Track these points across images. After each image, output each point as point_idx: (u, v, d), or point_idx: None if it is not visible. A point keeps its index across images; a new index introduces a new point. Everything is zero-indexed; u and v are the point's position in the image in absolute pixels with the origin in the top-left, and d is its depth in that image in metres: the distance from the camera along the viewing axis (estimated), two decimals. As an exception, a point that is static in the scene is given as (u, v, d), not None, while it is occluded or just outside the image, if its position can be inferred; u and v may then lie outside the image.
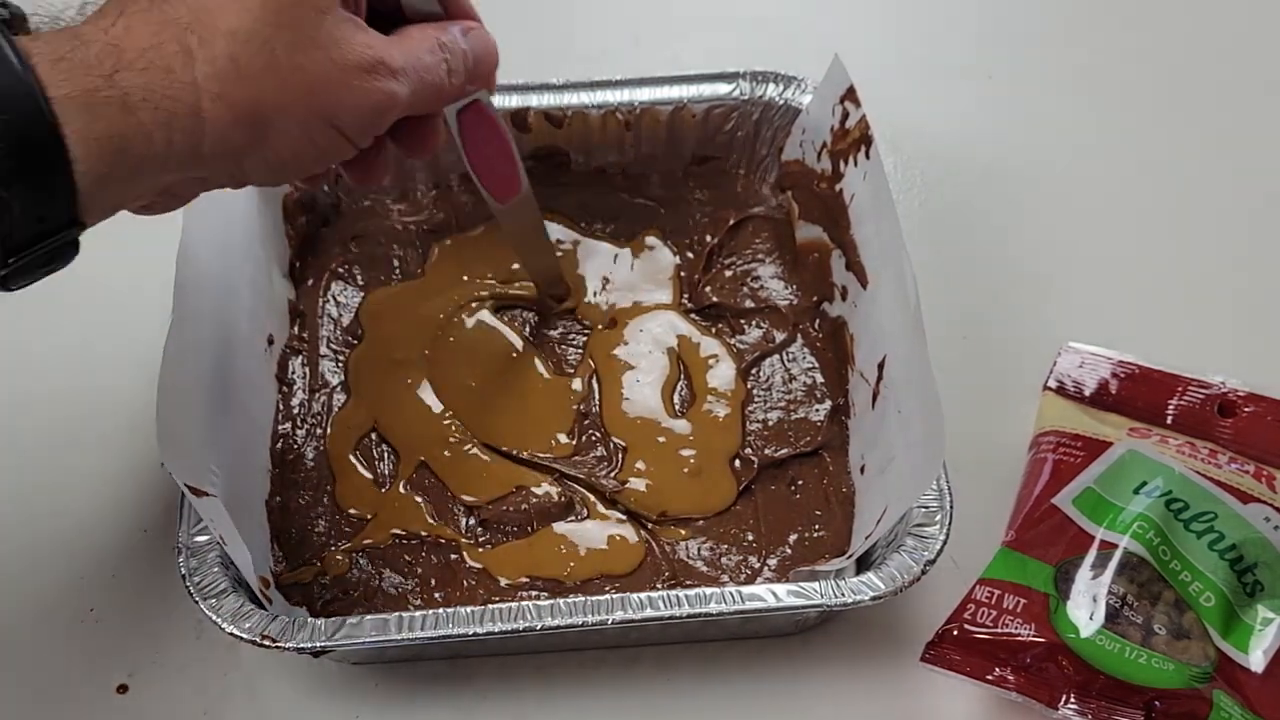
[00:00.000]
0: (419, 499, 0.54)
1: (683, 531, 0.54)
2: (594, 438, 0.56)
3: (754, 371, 0.59)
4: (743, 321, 0.60)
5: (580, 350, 0.59)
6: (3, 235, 0.35)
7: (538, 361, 0.59)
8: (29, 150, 0.35)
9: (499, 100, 0.61)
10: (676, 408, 0.57)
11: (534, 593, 0.51)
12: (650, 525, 0.54)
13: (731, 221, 0.63)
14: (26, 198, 0.35)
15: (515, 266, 0.61)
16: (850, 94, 0.57)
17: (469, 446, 0.56)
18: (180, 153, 0.38)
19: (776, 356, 0.59)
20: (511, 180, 0.55)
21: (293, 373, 0.58)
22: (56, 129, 0.35)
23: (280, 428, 0.56)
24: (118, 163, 0.36)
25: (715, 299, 0.60)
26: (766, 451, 0.56)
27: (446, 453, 0.55)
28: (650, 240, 0.63)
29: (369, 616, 0.46)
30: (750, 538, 0.53)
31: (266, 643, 0.45)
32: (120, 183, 0.37)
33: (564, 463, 0.55)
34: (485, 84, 0.49)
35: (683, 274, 0.62)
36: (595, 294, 0.61)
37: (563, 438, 0.56)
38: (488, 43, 0.47)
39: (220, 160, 0.39)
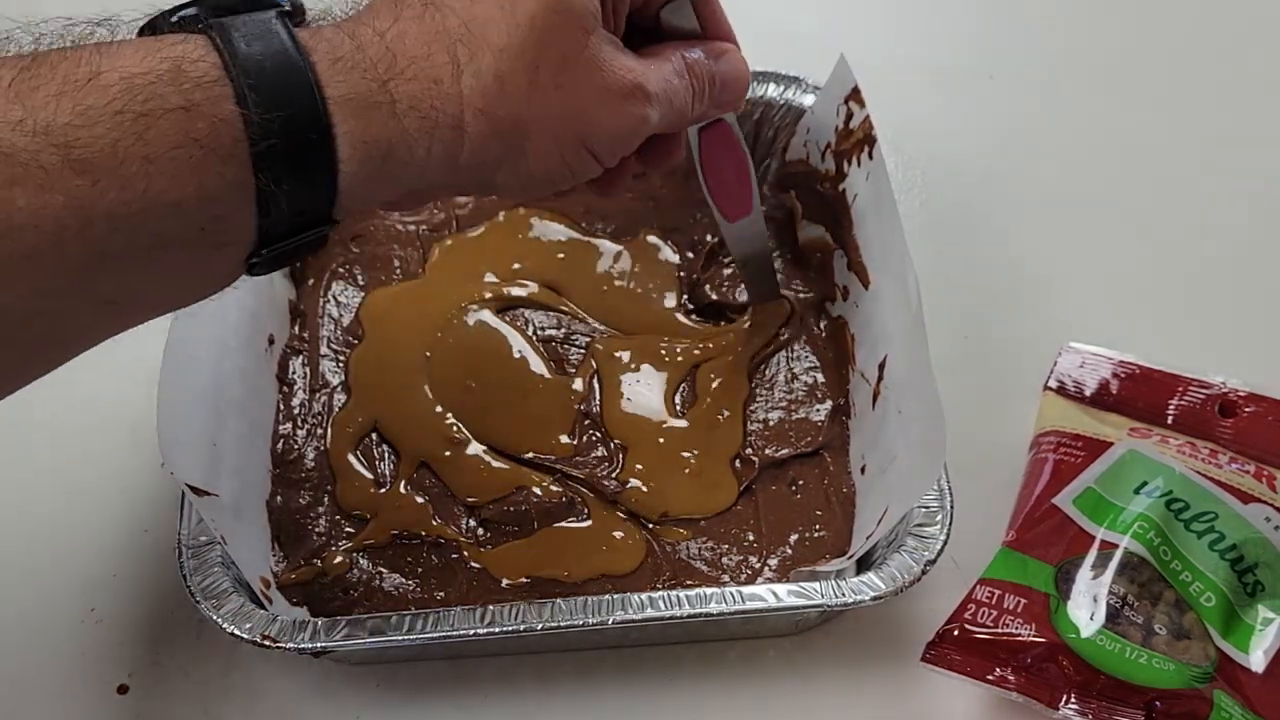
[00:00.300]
0: (419, 499, 0.54)
1: (683, 531, 0.54)
2: (594, 438, 0.56)
3: (756, 371, 0.58)
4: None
5: (581, 350, 0.59)
6: (267, 226, 0.36)
7: (538, 361, 0.59)
8: (303, 149, 0.35)
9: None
10: (677, 407, 0.57)
11: (534, 592, 0.51)
12: (651, 525, 0.54)
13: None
14: (294, 192, 0.35)
15: (516, 265, 0.61)
16: (855, 94, 0.57)
17: (469, 447, 0.56)
18: (438, 161, 0.38)
19: (778, 356, 0.59)
20: (745, 201, 0.56)
21: (293, 373, 0.58)
22: (330, 129, 0.35)
23: (281, 428, 0.56)
24: (380, 166, 0.37)
25: (715, 297, 0.60)
26: (767, 451, 0.56)
27: (447, 452, 0.55)
28: (650, 240, 0.63)
29: (369, 616, 0.46)
30: (750, 538, 0.53)
31: (266, 643, 0.45)
32: (379, 184, 0.38)
33: (565, 463, 0.55)
34: (732, 108, 0.49)
35: (683, 273, 0.62)
36: (596, 295, 0.61)
37: (564, 438, 0.56)
38: (739, 68, 0.47)
39: (474, 171, 0.40)
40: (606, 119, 0.41)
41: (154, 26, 0.37)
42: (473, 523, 0.53)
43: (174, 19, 0.37)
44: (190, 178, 0.33)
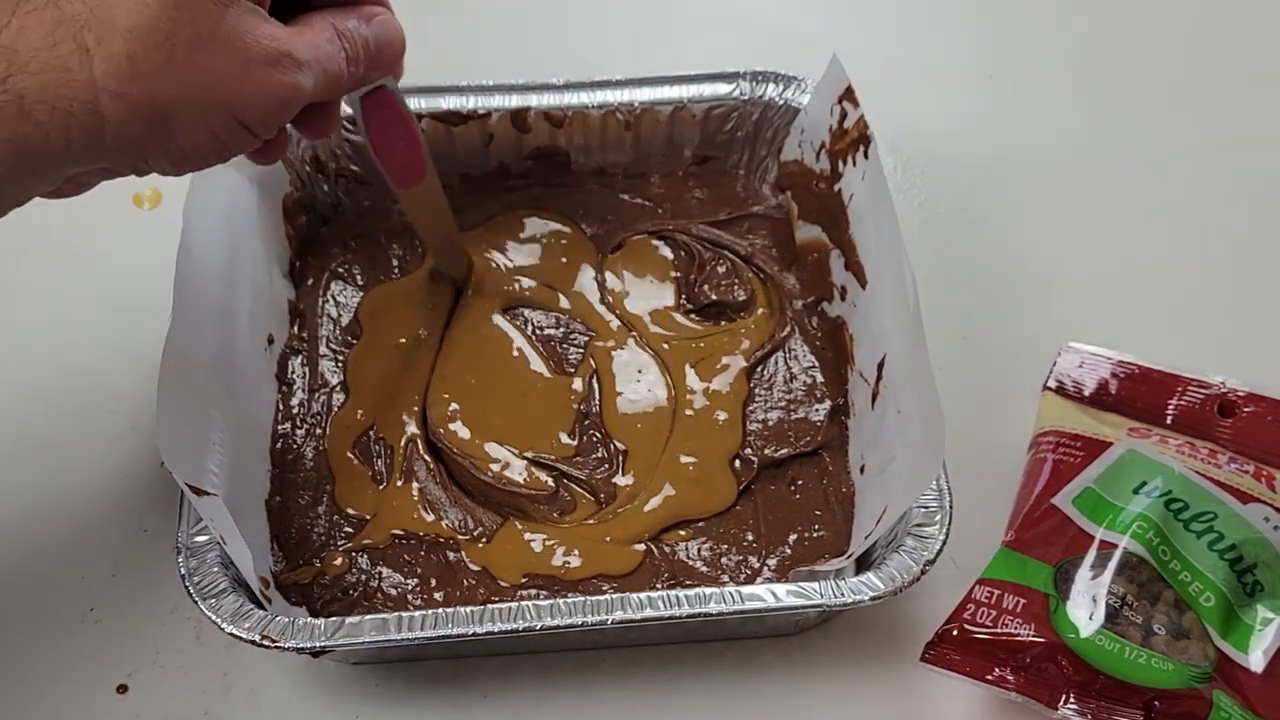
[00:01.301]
0: (418, 498, 0.54)
1: (682, 532, 0.54)
2: (595, 438, 0.56)
3: (755, 371, 0.58)
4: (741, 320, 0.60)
5: (581, 350, 0.59)
6: None
7: (538, 361, 0.59)
8: None
9: (496, 101, 0.61)
10: (676, 408, 0.57)
11: (534, 592, 0.51)
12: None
13: (727, 216, 0.63)
14: None
15: (515, 265, 0.61)
16: (849, 94, 0.57)
17: (470, 445, 0.56)
18: (80, 149, 0.38)
19: (776, 356, 0.59)
20: (415, 167, 0.55)
21: (292, 372, 0.58)
22: None
23: (280, 428, 0.56)
24: (17, 164, 0.37)
25: (715, 297, 0.60)
26: (766, 451, 0.56)
27: (444, 447, 0.55)
28: (649, 240, 0.63)
29: (369, 616, 0.46)
30: (750, 538, 0.53)
31: (266, 643, 0.45)
32: (22, 181, 0.38)
33: (565, 463, 0.55)
34: (388, 71, 0.48)
35: (681, 273, 0.62)
36: (595, 295, 0.61)
37: (564, 438, 0.56)
38: (392, 30, 0.47)
39: (122, 154, 0.40)
40: (254, 90, 0.41)
41: None
42: (470, 522, 0.53)
43: None
44: None
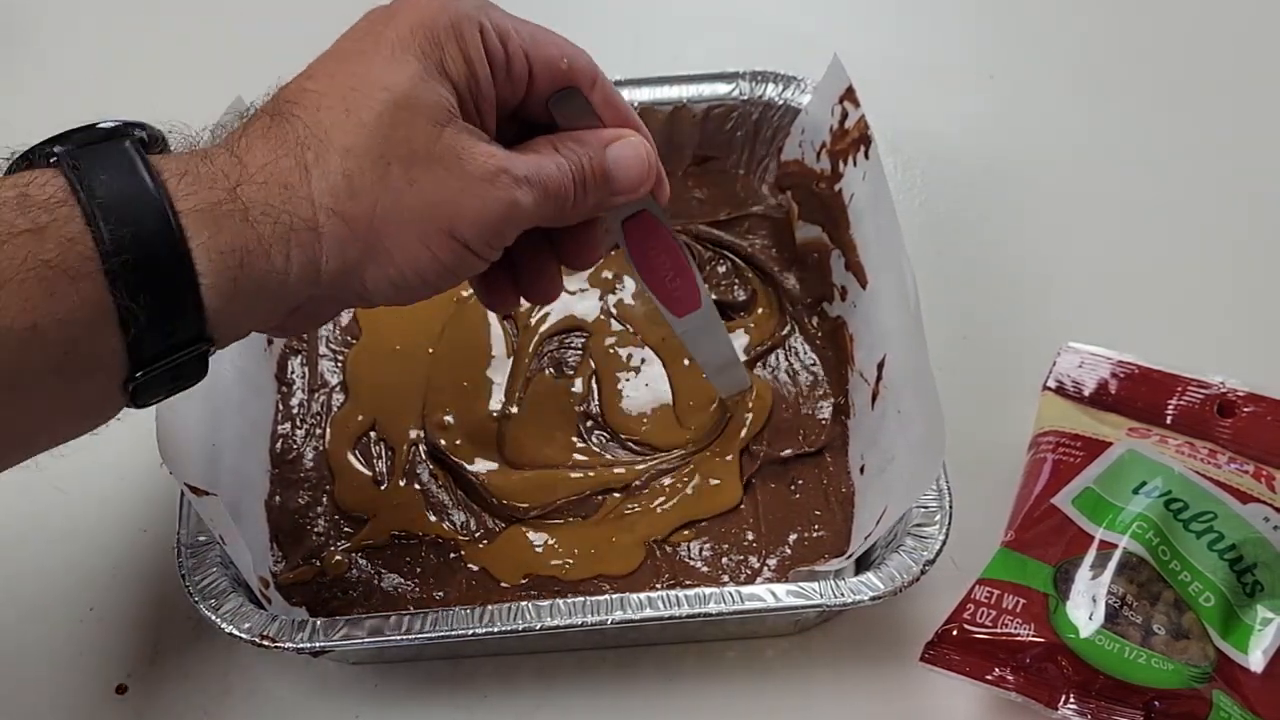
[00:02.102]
0: (418, 498, 0.54)
1: (685, 532, 0.53)
2: (600, 438, 0.56)
3: (755, 370, 0.58)
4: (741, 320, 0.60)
5: (580, 351, 0.59)
6: (132, 346, 0.35)
7: (537, 362, 0.59)
8: (157, 261, 0.35)
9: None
10: (679, 407, 0.57)
11: (534, 592, 0.51)
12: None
13: (727, 217, 0.63)
14: (154, 309, 0.35)
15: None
16: (849, 94, 0.57)
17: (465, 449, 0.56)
18: (300, 267, 0.38)
19: (776, 354, 0.59)
20: (689, 295, 0.52)
21: (292, 373, 0.58)
22: (184, 241, 0.35)
23: (280, 428, 0.56)
24: (241, 276, 0.36)
25: (714, 297, 0.60)
26: (770, 449, 0.56)
27: (444, 444, 0.55)
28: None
29: (369, 616, 0.46)
30: (750, 538, 0.53)
31: (266, 643, 0.45)
32: (246, 298, 0.37)
33: (565, 463, 0.55)
34: (633, 193, 0.45)
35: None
36: (595, 295, 0.61)
37: (574, 440, 0.56)
38: (634, 152, 0.45)
39: (340, 276, 0.39)
40: (469, 205, 0.40)
41: (21, 162, 0.37)
42: (472, 523, 0.53)
43: (35, 156, 0.37)
44: (42, 300, 0.33)
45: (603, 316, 0.60)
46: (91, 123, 0.38)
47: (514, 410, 0.57)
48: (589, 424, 0.57)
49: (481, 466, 0.54)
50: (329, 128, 0.38)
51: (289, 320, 0.41)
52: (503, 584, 0.52)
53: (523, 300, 0.49)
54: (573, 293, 0.60)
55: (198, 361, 0.38)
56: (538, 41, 0.43)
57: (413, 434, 0.55)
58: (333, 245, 0.38)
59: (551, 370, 0.58)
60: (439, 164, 0.39)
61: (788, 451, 0.55)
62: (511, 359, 0.58)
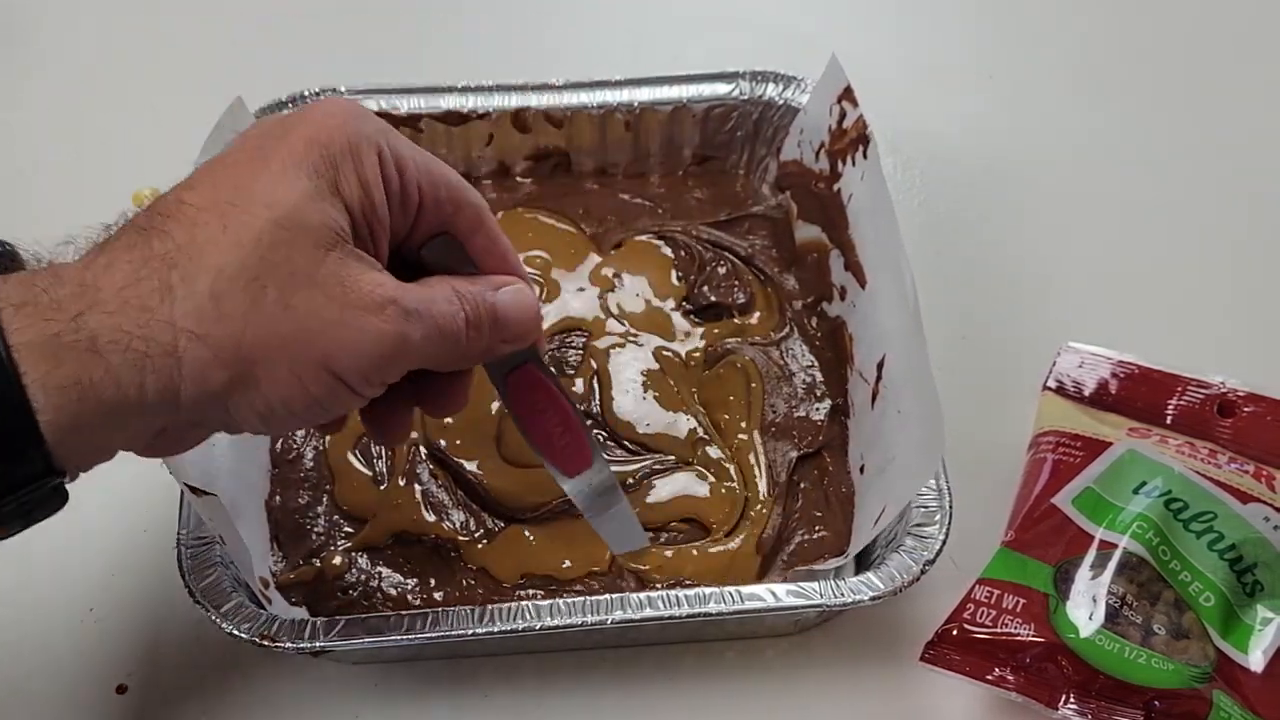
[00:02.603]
0: (418, 498, 0.54)
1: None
2: (597, 438, 0.56)
3: (756, 370, 0.58)
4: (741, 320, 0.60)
5: (580, 351, 0.59)
6: None
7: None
8: None
9: (496, 101, 0.61)
10: (679, 407, 0.57)
11: (533, 592, 0.51)
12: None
13: (726, 217, 0.63)
14: None
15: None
16: (847, 93, 0.57)
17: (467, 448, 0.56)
18: (155, 397, 0.35)
19: (777, 353, 0.59)
20: (579, 453, 0.48)
21: (292, 373, 0.58)
22: (17, 377, 0.33)
23: (280, 428, 0.56)
24: (85, 410, 0.34)
25: (714, 298, 0.60)
26: (770, 449, 0.56)
27: (443, 444, 0.55)
28: (650, 240, 0.63)
29: (368, 616, 0.46)
30: (750, 538, 0.53)
31: (265, 643, 0.45)
32: (92, 430, 0.35)
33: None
34: (520, 342, 0.43)
35: (682, 274, 0.62)
36: (595, 296, 0.61)
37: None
38: (524, 301, 0.43)
39: (202, 405, 0.36)
40: (349, 336, 0.37)
41: None
42: (472, 523, 0.53)
43: None
44: None
45: (602, 316, 0.60)
46: None
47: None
48: (589, 424, 0.56)
49: (481, 466, 0.54)
50: (202, 244, 0.36)
51: (158, 442, 0.38)
52: (503, 584, 0.52)
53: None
54: (572, 292, 0.61)
55: (52, 493, 0.36)
56: (433, 176, 0.41)
57: (412, 434, 0.55)
58: (193, 371, 0.35)
59: (552, 370, 0.58)
60: (320, 290, 0.36)
61: (790, 455, 0.55)
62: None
